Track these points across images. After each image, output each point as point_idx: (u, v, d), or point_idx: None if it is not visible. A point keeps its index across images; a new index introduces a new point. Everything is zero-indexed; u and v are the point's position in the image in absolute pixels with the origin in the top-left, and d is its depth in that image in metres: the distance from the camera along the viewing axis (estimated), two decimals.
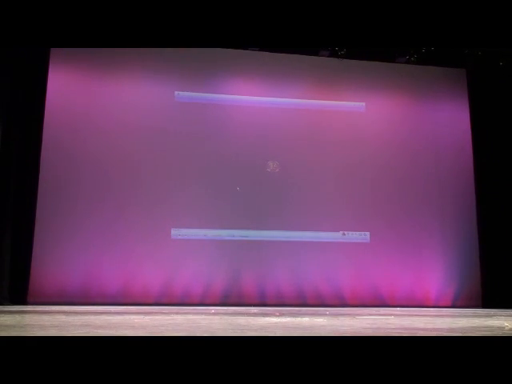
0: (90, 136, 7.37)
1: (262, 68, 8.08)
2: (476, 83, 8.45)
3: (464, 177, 8.25)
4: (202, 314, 4.93)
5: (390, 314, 5.23)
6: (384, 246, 7.84)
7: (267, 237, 7.61)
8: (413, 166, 8.18)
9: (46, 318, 4.03)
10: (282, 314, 4.88)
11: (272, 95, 8.05)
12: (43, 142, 7.17)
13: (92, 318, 4.09)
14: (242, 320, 3.91)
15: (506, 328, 3.38)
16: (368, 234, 7.86)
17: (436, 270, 7.90)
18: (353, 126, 8.17)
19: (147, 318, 4.15)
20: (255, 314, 4.88)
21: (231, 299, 7.21)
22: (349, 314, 5.09)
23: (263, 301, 7.30)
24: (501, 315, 5.26)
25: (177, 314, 4.89)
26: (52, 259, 6.95)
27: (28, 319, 3.87)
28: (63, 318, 4.03)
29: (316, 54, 8.13)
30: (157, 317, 4.29)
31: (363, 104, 8.28)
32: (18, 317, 4.13)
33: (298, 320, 4.03)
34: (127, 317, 4.26)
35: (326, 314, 5.00)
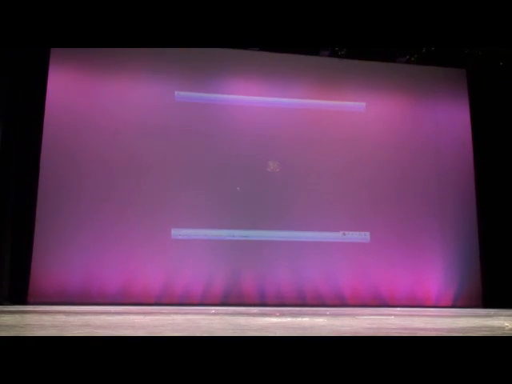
0: (90, 136, 7.37)
1: (262, 68, 8.07)
2: (476, 83, 8.44)
3: (464, 177, 8.25)
4: (201, 314, 4.93)
5: (390, 314, 5.23)
6: (384, 246, 7.83)
7: (267, 237, 7.60)
8: (413, 166, 8.18)
9: (46, 317, 4.03)
10: (282, 314, 4.88)
11: (272, 95, 8.05)
12: (43, 142, 7.17)
13: (92, 317, 4.09)
14: (242, 320, 3.91)
15: (506, 328, 3.38)
16: (368, 234, 7.86)
17: (436, 269, 7.90)
18: (353, 125, 8.16)
19: (147, 318, 4.15)
20: (255, 314, 4.87)
21: (231, 299, 7.21)
22: (349, 314, 5.09)
23: (263, 301, 7.29)
24: (501, 315, 5.27)
25: (177, 314, 4.89)
26: (52, 259, 6.95)
27: (28, 319, 3.87)
28: (63, 317, 4.03)
29: (316, 53, 8.13)
30: (157, 317, 4.29)
31: (363, 104, 8.28)
32: (18, 317, 4.13)
33: (298, 320, 4.03)
34: (127, 317, 4.26)
35: (326, 314, 5.00)
